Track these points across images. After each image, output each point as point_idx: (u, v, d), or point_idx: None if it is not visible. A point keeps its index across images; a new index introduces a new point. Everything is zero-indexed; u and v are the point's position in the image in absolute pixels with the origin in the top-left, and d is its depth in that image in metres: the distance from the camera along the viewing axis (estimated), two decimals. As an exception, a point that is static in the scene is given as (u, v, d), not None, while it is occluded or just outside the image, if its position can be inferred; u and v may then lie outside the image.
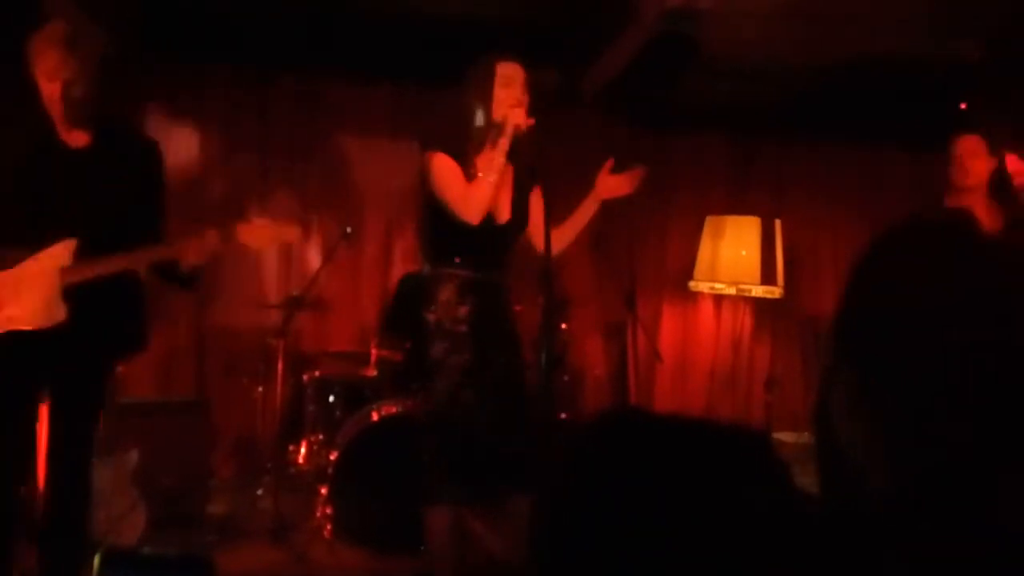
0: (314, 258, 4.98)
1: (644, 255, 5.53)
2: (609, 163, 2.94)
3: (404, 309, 4.58)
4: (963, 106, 4.58)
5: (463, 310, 2.63)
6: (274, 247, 2.81)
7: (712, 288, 5.13)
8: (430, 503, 2.77)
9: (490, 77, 2.65)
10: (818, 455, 0.88)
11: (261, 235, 2.71)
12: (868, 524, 0.80)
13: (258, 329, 4.74)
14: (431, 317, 2.66)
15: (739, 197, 5.57)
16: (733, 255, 4.98)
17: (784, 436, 4.74)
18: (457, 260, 2.66)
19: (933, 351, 0.78)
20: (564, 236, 2.89)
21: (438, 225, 2.68)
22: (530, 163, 2.79)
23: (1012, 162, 4.35)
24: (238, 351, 4.85)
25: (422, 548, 3.56)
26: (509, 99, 2.63)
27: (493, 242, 2.70)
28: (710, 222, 5.17)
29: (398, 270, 4.99)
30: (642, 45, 4.03)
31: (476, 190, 2.58)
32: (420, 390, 2.80)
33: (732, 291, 5.01)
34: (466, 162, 2.65)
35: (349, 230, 4.19)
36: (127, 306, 2.67)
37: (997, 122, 4.33)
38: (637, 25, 3.89)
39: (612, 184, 2.91)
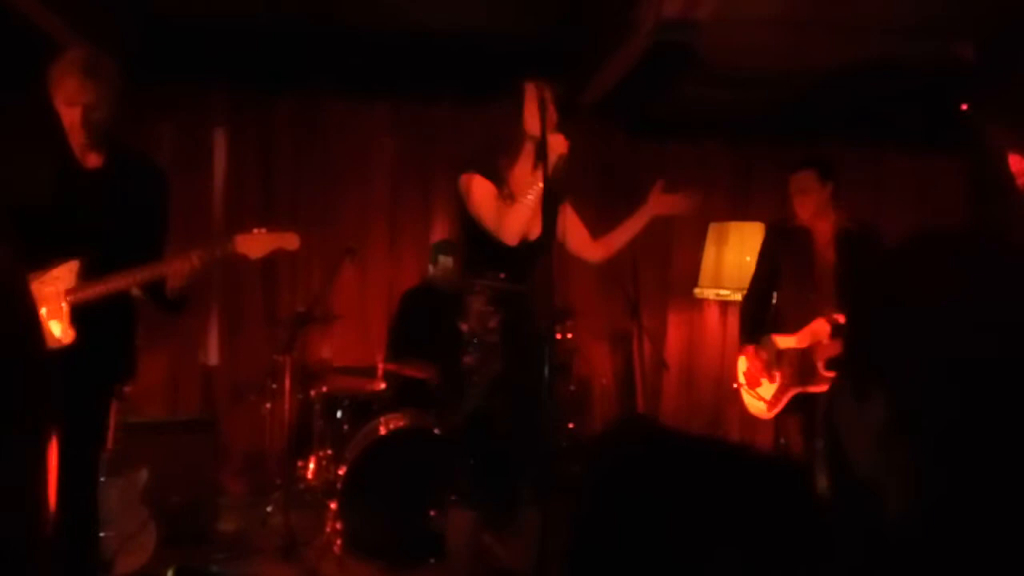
0: (319, 275, 5.00)
1: (648, 263, 5.52)
2: (661, 183, 3.06)
3: (407, 325, 4.60)
4: (964, 107, 4.58)
5: (494, 321, 2.70)
6: (273, 255, 2.80)
7: (717, 295, 5.13)
8: (454, 506, 2.81)
9: (521, 97, 2.74)
10: (830, 474, 0.86)
11: (259, 244, 2.73)
12: (884, 543, 0.78)
13: (265, 346, 4.76)
14: (464, 328, 2.73)
15: (742, 203, 5.57)
16: (737, 261, 4.97)
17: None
18: (491, 274, 2.75)
19: (970, 375, 0.75)
20: (610, 246, 3.04)
21: (475, 241, 2.77)
22: (560, 181, 2.86)
23: (1016, 162, 4.34)
24: (245, 368, 4.87)
25: (432, 561, 3.58)
26: (544, 120, 2.72)
27: (525, 257, 2.76)
28: (713, 229, 5.17)
29: (402, 284, 5.01)
30: (640, 56, 4.05)
31: (515, 214, 2.67)
32: (453, 397, 2.85)
33: (737, 297, 5.00)
34: (500, 180, 2.74)
35: (354, 247, 4.22)
36: (125, 332, 2.72)
37: (997, 122, 4.33)
38: (635, 36, 3.91)
39: (665, 202, 3.05)
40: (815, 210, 3.58)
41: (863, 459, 0.82)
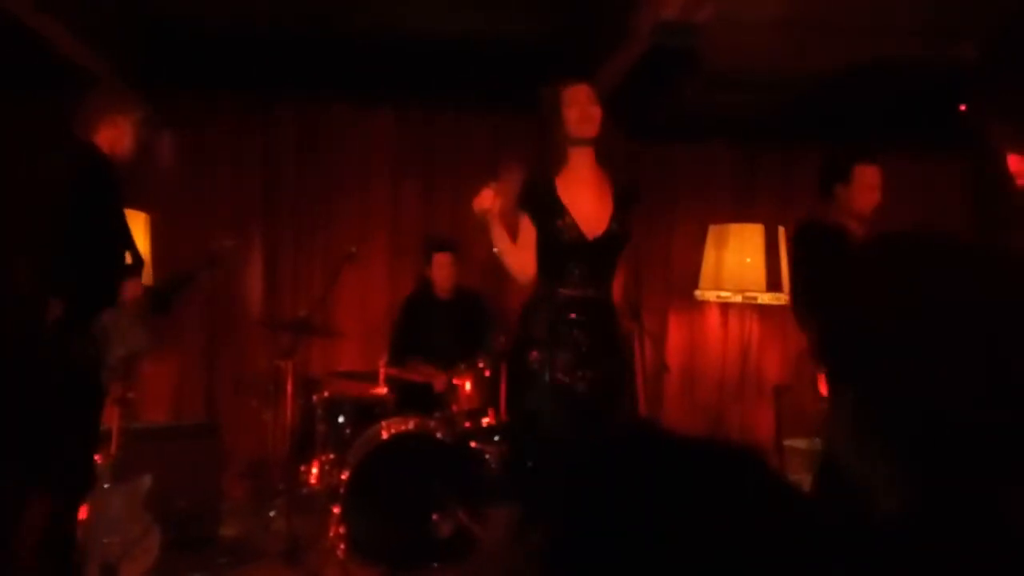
0: (320, 279, 5.01)
1: (649, 265, 5.54)
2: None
3: (409, 329, 4.61)
4: (963, 108, 4.59)
5: (561, 324, 2.72)
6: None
7: (718, 296, 5.14)
8: (499, 503, 2.83)
9: (557, 101, 2.76)
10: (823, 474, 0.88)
11: None
12: (877, 542, 0.79)
13: (266, 351, 4.77)
14: (527, 331, 2.77)
15: (742, 205, 5.58)
16: (738, 263, 4.98)
17: (795, 443, 4.73)
18: (561, 279, 2.76)
19: (938, 369, 0.77)
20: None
21: (542, 249, 2.80)
22: (625, 178, 2.86)
23: (1015, 162, 4.34)
24: (247, 374, 4.88)
25: (436, 565, 3.59)
26: (579, 117, 2.75)
27: (588, 258, 2.76)
28: (713, 231, 5.17)
29: (403, 289, 5.02)
30: (640, 58, 4.06)
31: (509, 259, 2.78)
32: (513, 396, 2.94)
33: (738, 299, 5.01)
34: (553, 190, 2.77)
35: (354, 250, 4.23)
36: None
37: (996, 123, 4.33)
38: (634, 39, 3.92)
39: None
40: (870, 209, 3.36)
41: (844, 459, 0.84)
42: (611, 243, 2.80)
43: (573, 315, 2.73)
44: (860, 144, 3.60)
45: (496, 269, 3.02)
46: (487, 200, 2.69)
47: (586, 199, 2.78)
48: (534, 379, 2.72)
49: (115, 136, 3.05)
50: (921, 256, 0.84)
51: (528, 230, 2.77)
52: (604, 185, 2.83)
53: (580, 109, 2.74)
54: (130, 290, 2.97)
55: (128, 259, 3.04)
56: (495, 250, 2.74)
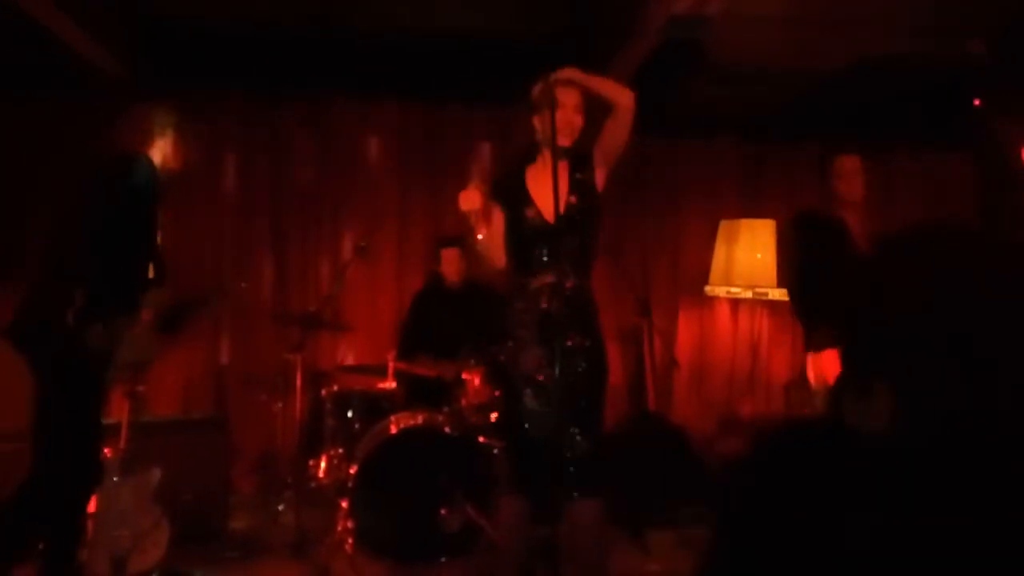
0: (329, 274, 5.02)
1: (658, 261, 5.53)
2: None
3: (418, 324, 4.61)
4: (977, 102, 4.55)
5: (532, 314, 2.75)
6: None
7: (728, 292, 5.12)
8: (503, 493, 2.89)
9: (549, 96, 2.74)
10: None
11: None
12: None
13: (276, 345, 4.78)
14: (505, 322, 2.82)
15: (752, 201, 5.55)
16: (748, 258, 4.96)
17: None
18: (528, 267, 2.80)
19: (958, 365, 0.77)
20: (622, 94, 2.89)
21: (508, 239, 2.85)
22: (580, 152, 2.87)
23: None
24: (256, 368, 4.89)
25: (443, 559, 3.59)
26: (560, 124, 2.73)
27: (554, 243, 2.75)
28: (724, 226, 5.15)
29: (411, 283, 5.02)
30: (650, 52, 4.04)
31: (485, 250, 2.84)
32: (496, 389, 3.06)
33: (748, 294, 4.99)
34: (522, 181, 2.85)
35: (364, 244, 4.23)
36: None
37: (1009, 118, 4.30)
38: (645, 33, 3.90)
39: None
40: (859, 196, 3.47)
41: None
42: (572, 222, 2.77)
43: (544, 304, 2.74)
44: (845, 138, 3.67)
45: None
46: (476, 200, 2.72)
47: (550, 185, 2.74)
48: (509, 372, 2.78)
49: (166, 149, 3.17)
50: (942, 252, 0.83)
51: (499, 220, 2.83)
52: (563, 164, 2.84)
53: (565, 116, 2.75)
54: (149, 302, 3.02)
55: (151, 272, 3.08)
56: (479, 238, 2.79)
